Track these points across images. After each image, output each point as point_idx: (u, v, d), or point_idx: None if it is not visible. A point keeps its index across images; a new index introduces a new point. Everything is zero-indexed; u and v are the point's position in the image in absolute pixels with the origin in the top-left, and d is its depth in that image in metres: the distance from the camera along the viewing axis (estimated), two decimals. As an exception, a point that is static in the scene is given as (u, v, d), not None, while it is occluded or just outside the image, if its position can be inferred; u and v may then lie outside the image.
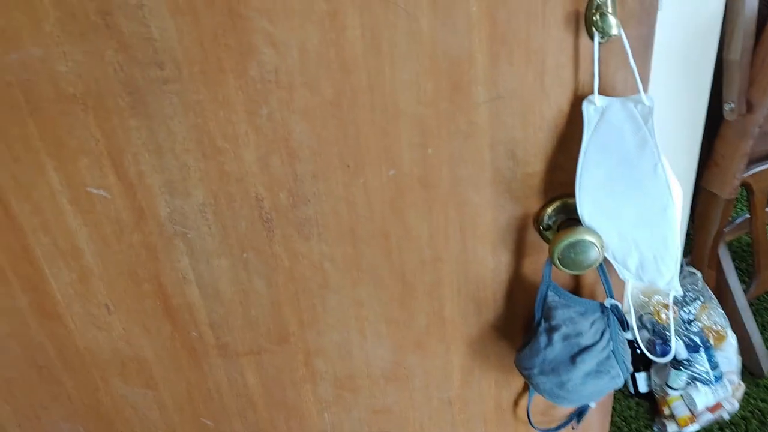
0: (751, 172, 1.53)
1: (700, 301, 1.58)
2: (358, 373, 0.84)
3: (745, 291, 1.70)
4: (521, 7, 0.59)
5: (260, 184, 0.69)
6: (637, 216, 0.63)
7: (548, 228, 0.70)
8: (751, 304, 1.74)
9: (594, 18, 0.57)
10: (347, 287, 0.76)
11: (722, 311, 1.57)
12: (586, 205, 0.65)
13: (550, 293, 0.72)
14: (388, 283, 0.76)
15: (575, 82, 0.62)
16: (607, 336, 0.72)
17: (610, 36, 0.58)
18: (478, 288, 0.76)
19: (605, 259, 0.69)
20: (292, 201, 0.70)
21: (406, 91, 0.63)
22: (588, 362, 0.71)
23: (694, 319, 1.55)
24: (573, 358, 0.72)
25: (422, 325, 0.79)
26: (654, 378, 1.63)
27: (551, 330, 0.72)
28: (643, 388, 1.66)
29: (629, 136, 0.60)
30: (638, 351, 1.64)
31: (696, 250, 1.64)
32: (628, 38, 0.59)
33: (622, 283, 0.73)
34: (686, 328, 1.53)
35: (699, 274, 1.61)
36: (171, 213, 0.71)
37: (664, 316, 1.54)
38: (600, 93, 0.62)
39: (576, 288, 0.75)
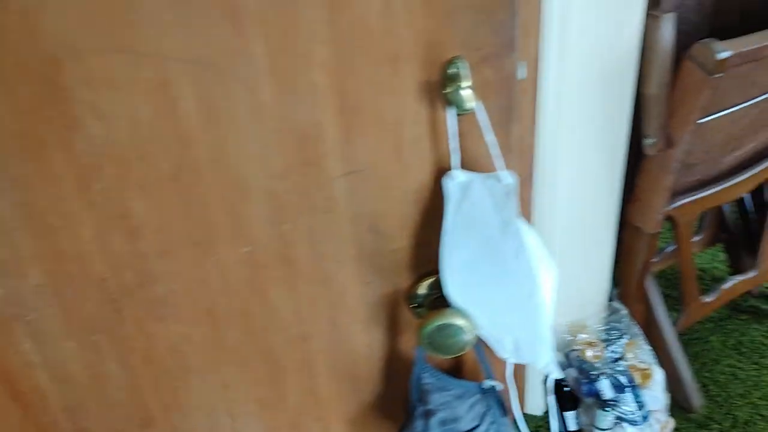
0: (674, 205, 1.51)
1: (626, 338, 1.55)
2: (232, 455, 0.78)
3: (675, 322, 1.68)
4: (370, 76, 0.54)
5: (101, 262, 0.62)
6: (505, 300, 0.58)
7: (421, 306, 0.65)
8: (681, 335, 1.72)
9: (446, 90, 0.53)
10: (210, 369, 0.70)
11: (649, 348, 1.54)
12: (452, 286, 0.60)
13: (424, 375, 0.66)
14: (254, 363, 0.69)
15: (436, 155, 0.58)
16: (488, 419, 0.67)
17: (466, 110, 0.53)
18: (353, 366, 0.70)
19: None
20: (139, 280, 0.64)
21: (253, 165, 0.57)
22: (467, 448, 0.66)
23: (620, 358, 1.52)
24: (451, 445, 0.66)
25: (296, 405, 0.73)
26: (582, 417, 1.59)
27: (427, 414, 0.67)
28: (572, 426, 1.62)
29: (491, 217, 0.56)
30: (565, 389, 1.61)
31: (623, 285, 1.62)
32: (486, 110, 0.54)
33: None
34: (612, 368, 1.50)
35: (624, 311, 1.59)
36: (5, 295, 0.64)
37: (589, 354, 1.50)
38: (464, 167, 0.57)
39: (456, 367, 0.70)
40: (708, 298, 1.63)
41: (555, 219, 1.39)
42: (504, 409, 0.68)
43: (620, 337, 1.49)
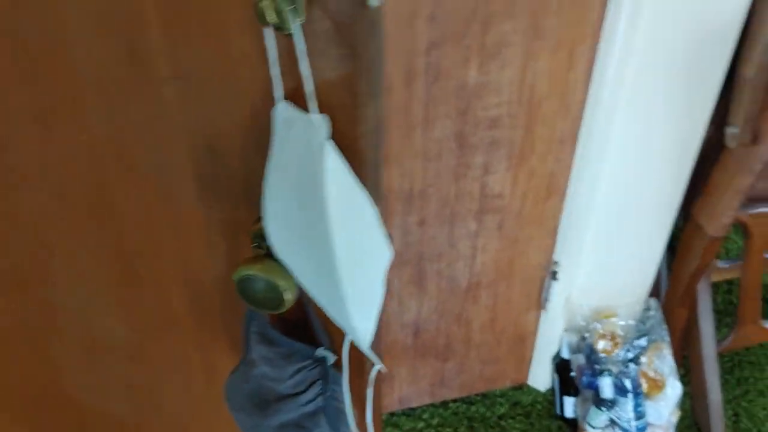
0: (751, 211, 1.28)
1: (647, 340, 1.37)
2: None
3: (721, 340, 1.47)
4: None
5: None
6: (314, 269, 0.49)
7: (260, 247, 0.57)
8: (728, 354, 1.52)
9: (262, 1, 0.42)
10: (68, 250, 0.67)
11: (672, 358, 1.36)
12: (272, 234, 0.51)
13: (252, 323, 0.59)
14: (108, 254, 0.65)
15: (269, 79, 0.48)
16: (315, 389, 0.59)
17: (288, 29, 0.43)
18: (203, 290, 0.64)
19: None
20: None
21: (78, 40, 0.50)
22: (284, 414, 0.59)
23: (634, 360, 1.34)
24: (268, 404, 0.60)
25: (151, 313, 0.69)
26: (579, 407, 1.47)
27: (251, 365, 0.60)
28: (569, 413, 1.50)
29: (306, 168, 0.46)
30: (571, 374, 1.48)
31: (671, 284, 1.43)
32: (311, 33, 0.43)
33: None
34: (620, 368, 1.34)
35: (657, 311, 1.40)
36: None
37: (600, 345, 1.35)
38: (298, 101, 0.47)
39: (296, 323, 0.62)
40: (769, 324, 1.40)
41: (597, 190, 1.21)
42: (338, 384, 0.60)
43: (640, 338, 1.32)
